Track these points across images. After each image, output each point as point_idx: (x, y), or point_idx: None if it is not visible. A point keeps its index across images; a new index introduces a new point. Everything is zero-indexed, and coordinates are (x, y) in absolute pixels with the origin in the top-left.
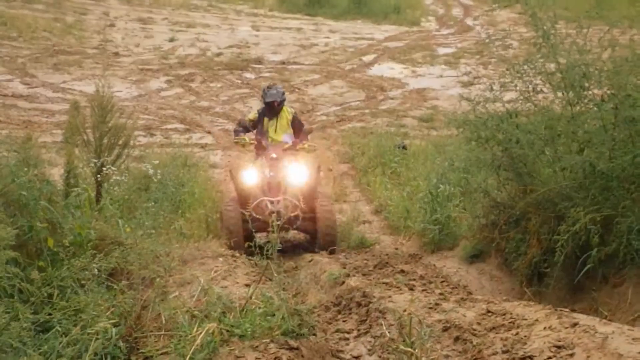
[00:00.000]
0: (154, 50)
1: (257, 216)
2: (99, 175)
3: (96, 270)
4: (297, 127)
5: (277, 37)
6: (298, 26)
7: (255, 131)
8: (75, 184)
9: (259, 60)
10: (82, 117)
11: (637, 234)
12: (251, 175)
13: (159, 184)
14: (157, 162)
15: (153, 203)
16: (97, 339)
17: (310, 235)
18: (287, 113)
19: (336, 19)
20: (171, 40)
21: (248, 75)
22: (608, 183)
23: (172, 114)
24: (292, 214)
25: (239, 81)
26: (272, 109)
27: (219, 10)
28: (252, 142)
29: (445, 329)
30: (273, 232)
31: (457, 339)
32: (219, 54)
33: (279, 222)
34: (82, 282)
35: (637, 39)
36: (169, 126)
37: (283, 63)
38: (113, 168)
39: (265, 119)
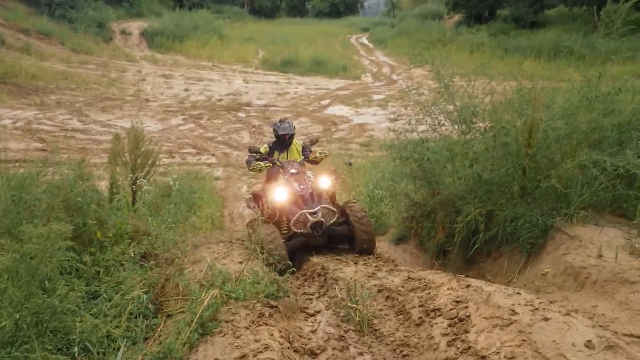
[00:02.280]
0: (173, 97)
1: (299, 231)
2: (134, 186)
3: (132, 253)
4: (307, 152)
5: (260, 88)
6: (275, 80)
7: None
8: (116, 192)
9: (248, 104)
10: (122, 145)
11: (510, 222)
12: (281, 192)
13: (177, 191)
14: (176, 176)
15: (173, 205)
16: (132, 303)
17: (345, 239)
18: (297, 145)
19: (302, 75)
20: (186, 90)
21: (240, 114)
22: (490, 188)
23: (187, 142)
24: (332, 221)
25: (234, 119)
26: (283, 142)
27: (219, 69)
28: (267, 165)
29: (379, 291)
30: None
31: (387, 297)
32: (220, 100)
33: (320, 234)
34: (122, 262)
35: (508, 89)
36: (185, 151)
37: (265, 106)
38: (144, 181)
39: (276, 152)
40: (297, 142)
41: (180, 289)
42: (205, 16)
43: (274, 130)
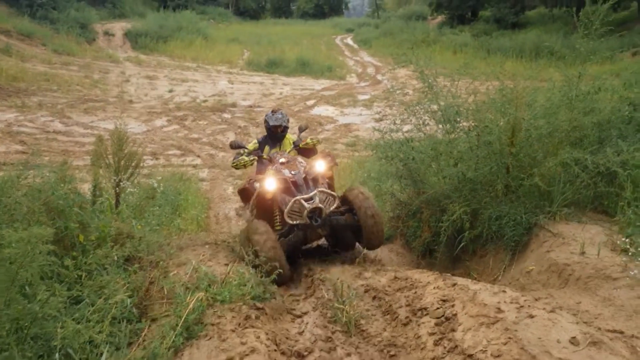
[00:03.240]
0: (157, 99)
1: (295, 222)
2: (117, 188)
3: (115, 257)
4: (297, 141)
5: (246, 88)
6: (261, 81)
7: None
8: (99, 195)
9: (233, 105)
10: (105, 147)
11: (494, 221)
12: (270, 182)
13: (162, 193)
14: (160, 178)
15: (157, 207)
16: (116, 307)
17: (350, 230)
18: (290, 140)
19: (287, 75)
20: (170, 91)
21: (226, 115)
22: (474, 186)
23: (171, 144)
24: (333, 207)
25: (219, 120)
26: (275, 135)
27: (204, 70)
28: (252, 160)
29: (366, 291)
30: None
31: (374, 297)
32: (204, 101)
33: (320, 224)
34: (105, 266)
35: (491, 88)
36: (169, 152)
37: (251, 107)
38: (128, 183)
39: (267, 148)
40: (291, 136)
41: (165, 292)
42: (190, 17)
43: (265, 121)
